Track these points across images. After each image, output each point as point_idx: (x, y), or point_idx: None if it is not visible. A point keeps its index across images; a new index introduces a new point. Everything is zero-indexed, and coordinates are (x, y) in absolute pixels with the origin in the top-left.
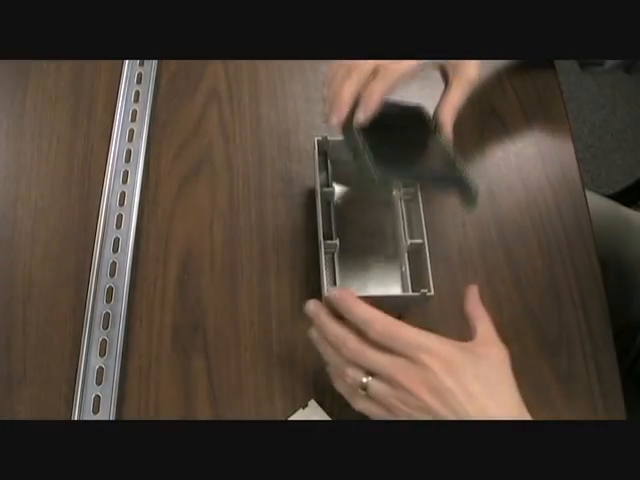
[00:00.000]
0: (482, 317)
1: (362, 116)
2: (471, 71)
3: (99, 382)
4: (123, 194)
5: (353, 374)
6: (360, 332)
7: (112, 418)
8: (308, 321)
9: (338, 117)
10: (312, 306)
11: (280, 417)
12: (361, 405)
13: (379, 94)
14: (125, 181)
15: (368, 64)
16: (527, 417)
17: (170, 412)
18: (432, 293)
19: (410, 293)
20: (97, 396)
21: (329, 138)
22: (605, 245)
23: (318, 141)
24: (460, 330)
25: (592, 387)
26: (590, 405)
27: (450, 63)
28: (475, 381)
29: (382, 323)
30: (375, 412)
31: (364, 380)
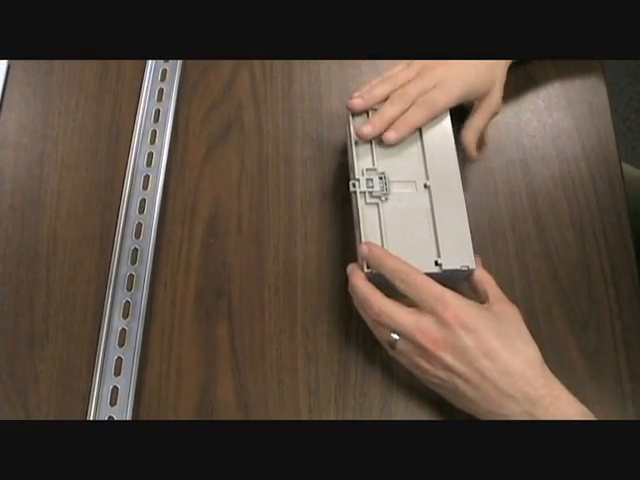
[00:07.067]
0: (490, 281)
1: (392, 137)
2: (495, 98)
3: (121, 344)
4: (151, 155)
5: (381, 332)
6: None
7: (133, 381)
8: (334, 290)
9: (358, 104)
10: (352, 267)
11: (302, 388)
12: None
13: (415, 123)
14: (153, 141)
15: (414, 92)
16: (548, 374)
17: (191, 377)
18: (474, 267)
19: (451, 267)
20: (119, 358)
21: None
22: (638, 219)
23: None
24: None
25: (620, 367)
26: (617, 386)
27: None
28: (495, 337)
29: (407, 273)
30: (406, 364)
31: (391, 338)
